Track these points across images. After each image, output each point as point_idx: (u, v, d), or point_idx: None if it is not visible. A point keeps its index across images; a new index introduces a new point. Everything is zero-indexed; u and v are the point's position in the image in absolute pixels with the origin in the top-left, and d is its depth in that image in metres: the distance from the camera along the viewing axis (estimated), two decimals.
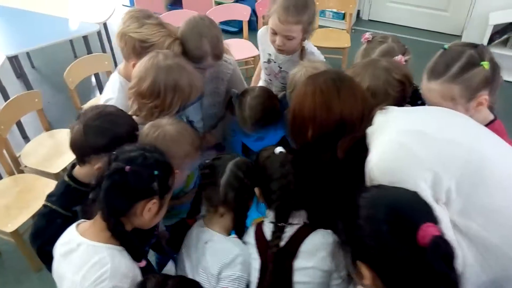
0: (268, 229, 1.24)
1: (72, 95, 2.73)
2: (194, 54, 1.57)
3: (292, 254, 1.19)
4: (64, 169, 2.41)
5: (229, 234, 1.29)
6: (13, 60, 3.20)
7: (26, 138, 3.11)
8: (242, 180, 1.25)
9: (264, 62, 1.92)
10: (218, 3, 4.15)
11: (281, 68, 1.84)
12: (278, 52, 1.75)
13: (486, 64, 1.16)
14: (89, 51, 3.22)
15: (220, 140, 1.96)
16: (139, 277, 1.12)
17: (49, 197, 1.34)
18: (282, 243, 1.20)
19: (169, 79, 1.38)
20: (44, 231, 1.31)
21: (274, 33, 1.67)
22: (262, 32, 1.89)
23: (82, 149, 1.27)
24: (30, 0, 3.45)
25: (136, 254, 1.12)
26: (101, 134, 1.25)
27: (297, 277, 1.18)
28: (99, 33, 3.27)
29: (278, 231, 1.21)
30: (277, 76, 1.89)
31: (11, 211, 2.17)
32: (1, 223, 2.12)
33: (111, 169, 1.06)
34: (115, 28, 1.65)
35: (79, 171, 1.33)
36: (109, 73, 2.89)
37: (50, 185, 2.25)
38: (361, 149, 1.13)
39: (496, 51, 3.50)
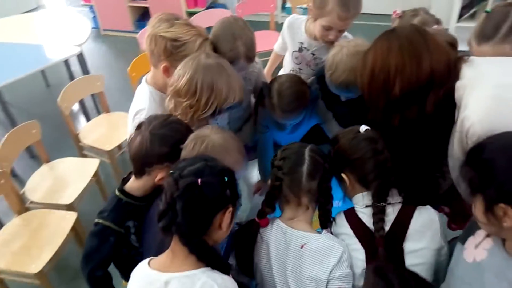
0: (365, 215, 1.18)
1: (67, 121, 2.59)
2: (228, 56, 1.53)
3: (401, 236, 1.13)
4: (78, 198, 2.27)
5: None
6: None
7: (15, 177, 2.91)
8: (323, 165, 1.20)
9: (295, 51, 1.91)
10: (190, 13, 4.11)
11: (314, 55, 1.83)
12: (324, 42, 1.76)
13: None
14: (71, 77, 3.08)
15: (246, 142, 1.91)
16: None
17: (100, 213, 1.29)
18: (387, 227, 1.14)
19: (206, 77, 1.34)
20: (97, 252, 1.25)
21: (329, 29, 1.69)
22: (292, 20, 1.91)
23: (146, 158, 1.23)
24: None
25: (224, 269, 1.05)
26: (167, 142, 1.22)
27: (409, 259, 1.13)
28: (79, 56, 3.12)
29: (380, 213, 1.14)
30: (309, 64, 1.89)
31: (31, 251, 2.01)
32: (23, 265, 1.95)
33: (182, 187, 0.98)
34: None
35: (131, 185, 1.30)
36: (101, 94, 2.79)
37: (66, 217, 2.14)
38: (448, 104, 1.13)
39: (465, 25, 3.69)
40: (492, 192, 0.90)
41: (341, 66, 1.46)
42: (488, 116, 1.04)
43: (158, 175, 1.24)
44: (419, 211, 1.17)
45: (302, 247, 1.14)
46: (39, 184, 2.37)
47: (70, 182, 2.37)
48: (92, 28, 4.38)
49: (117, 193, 1.29)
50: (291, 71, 1.97)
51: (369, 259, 1.14)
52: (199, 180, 0.97)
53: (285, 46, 2.02)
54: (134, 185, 1.29)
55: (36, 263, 1.95)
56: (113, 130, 2.75)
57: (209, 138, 1.21)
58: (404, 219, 1.15)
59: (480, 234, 1.08)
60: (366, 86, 1.21)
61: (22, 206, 2.22)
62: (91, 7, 4.59)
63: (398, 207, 1.17)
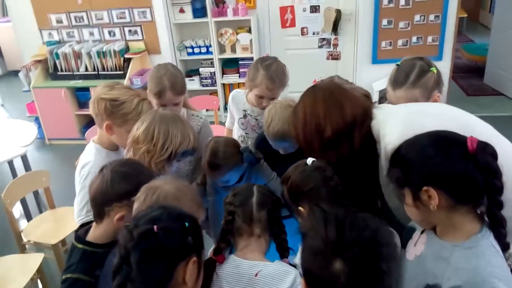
0: None
1: (10, 218, 2.51)
2: (155, 90, 1.81)
3: None
4: None
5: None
6: None
7: None
8: (271, 197, 1.32)
9: (240, 118, 2.19)
10: None
11: (257, 120, 2.11)
12: (260, 109, 2.04)
13: (434, 69, 1.57)
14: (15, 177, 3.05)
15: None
16: None
17: (67, 269, 1.26)
18: None
19: (162, 124, 1.50)
20: None
21: (261, 97, 2.02)
22: (235, 94, 2.23)
23: (105, 197, 1.25)
24: None
25: None
26: (127, 180, 1.26)
27: None
28: (24, 157, 3.14)
29: None
30: (253, 128, 2.15)
31: None
32: None
33: (136, 236, 0.90)
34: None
35: (93, 234, 1.30)
36: (47, 189, 2.77)
37: None
38: (371, 141, 1.33)
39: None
40: (414, 179, 1.02)
41: (276, 117, 1.69)
42: (404, 135, 1.15)
43: (117, 215, 1.24)
44: None
45: (256, 275, 1.18)
46: None
47: (11, 280, 2.23)
48: (37, 138, 4.48)
49: (80, 245, 1.27)
50: (239, 137, 2.19)
51: None
52: (155, 227, 0.90)
53: (233, 119, 2.29)
54: (96, 233, 1.28)
55: None
56: (59, 225, 2.69)
57: (160, 188, 1.20)
58: None
59: (416, 234, 1.20)
60: (301, 132, 1.37)
61: None
62: (36, 118, 4.70)
63: None
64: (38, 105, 4.64)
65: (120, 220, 1.24)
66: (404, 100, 1.54)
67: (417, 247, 1.15)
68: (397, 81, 1.59)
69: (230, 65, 4.73)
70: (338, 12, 4.41)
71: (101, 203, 1.26)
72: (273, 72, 1.97)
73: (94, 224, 1.31)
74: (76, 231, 1.36)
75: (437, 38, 4.20)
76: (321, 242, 0.84)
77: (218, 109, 4.17)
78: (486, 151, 0.97)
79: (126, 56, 4.46)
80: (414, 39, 4.23)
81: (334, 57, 4.67)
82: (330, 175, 1.27)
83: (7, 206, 2.47)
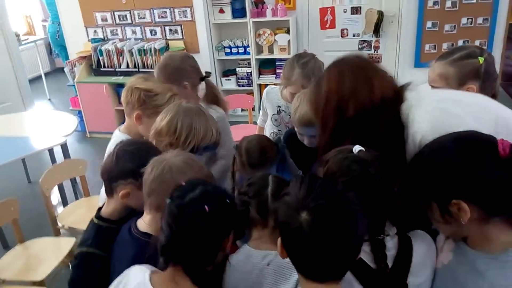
0: (364, 252, 1.01)
1: (46, 202, 2.60)
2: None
3: (405, 271, 1.03)
4: (48, 276, 2.18)
5: None
6: None
7: None
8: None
9: (274, 114, 2.18)
10: None
11: (290, 116, 2.04)
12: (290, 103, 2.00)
13: (481, 59, 1.46)
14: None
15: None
16: None
17: (83, 243, 1.29)
18: (390, 262, 1.03)
19: (186, 118, 1.50)
20: (84, 280, 1.25)
21: (293, 94, 1.96)
22: (269, 90, 2.22)
23: (110, 173, 1.28)
24: None
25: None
26: (132, 159, 1.27)
27: None
28: (63, 146, 3.26)
29: (381, 248, 1.03)
30: (287, 124, 2.13)
31: None
32: None
33: (189, 216, 0.95)
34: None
35: (106, 210, 1.34)
36: (83, 178, 2.85)
37: None
38: (397, 125, 1.22)
39: None
40: (441, 192, 0.94)
41: (304, 102, 1.64)
42: (435, 127, 1.09)
43: (122, 192, 1.26)
44: (416, 240, 1.09)
45: (268, 264, 1.15)
46: (11, 263, 2.29)
47: (44, 260, 2.30)
48: (78, 131, 4.65)
49: (95, 220, 1.31)
50: (271, 134, 2.16)
51: None
52: (207, 208, 0.95)
53: (266, 117, 2.27)
54: (108, 209, 1.32)
55: None
56: (92, 212, 2.72)
57: (166, 161, 1.21)
58: (406, 251, 1.06)
59: (440, 238, 1.12)
60: (321, 107, 1.26)
61: None
62: (79, 111, 4.89)
63: (396, 239, 1.08)
64: (81, 99, 4.82)
65: (124, 197, 1.26)
66: (434, 74, 1.47)
67: (444, 255, 1.08)
68: (442, 55, 1.52)
69: (267, 65, 4.72)
70: (380, 13, 4.30)
71: (107, 179, 1.29)
72: (309, 70, 1.93)
73: (107, 200, 1.33)
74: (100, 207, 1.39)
75: (485, 42, 4.01)
76: (294, 197, 0.90)
77: (253, 109, 4.17)
78: None
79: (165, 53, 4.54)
80: (460, 42, 4.05)
81: (375, 59, 4.55)
82: (374, 173, 1.05)
83: (44, 191, 2.56)
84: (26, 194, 3.73)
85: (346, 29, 4.50)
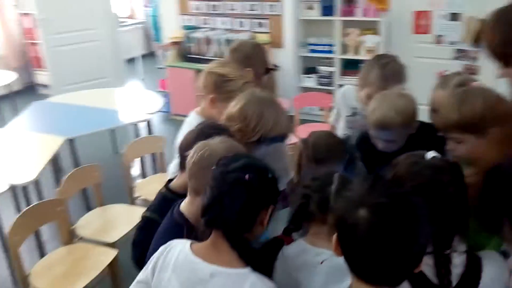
0: (426, 265, 0.97)
1: (126, 172, 2.82)
2: None
3: None
4: (121, 238, 2.37)
5: None
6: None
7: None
8: None
9: (348, 116, 2.11)
10: None
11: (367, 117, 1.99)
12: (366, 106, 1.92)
13: None
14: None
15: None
16: None
17: (148, 208, 1.40)
18: (455, 281, 0.97)
19: (257, 107, 1.52)
20: (145, 242, 1.31)
21: (371, 98, 1.83)
22: (347, 90, 2.16)
23: (186, 149, 1.31)
24: (88, 97, 3.86)
25: (264, 271, 1.05)
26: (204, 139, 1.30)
27: None
28: (148, 123, 3.50)
29: (445, 263, 0.97)
30: (361, 128, 2.01)
31: (69, 278, 2.08)
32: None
33: (230, 182, 1.00)
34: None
35: (175, 183, 1.41)
36: (162, 154, 3.04)
37: (106, 253, 2.22)
38: None
39: None
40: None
41: (381, 104, 1.58)
42: None
43: None
44: (488, 260, 1.02)
45: (321, 262, 1.13)
46: (89, 223, 2.52)
47: (117, 224, 2.50)
48: (163, 111, 4.94)
49: (163, 190, 1.40)
50: (343, 136, 2.11)
51: None
52: (247, 176, 1.00)
53: (339, 116, 2.22)
54: (178, 182, 1.40)
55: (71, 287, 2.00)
56: None
57: (209, 147, 1.23)
58: (474, 271, 0.99)
59: None
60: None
61: (70, 238, 2.35)
62: (165, 93, 5.20)
63: (464, 257, 1.01)
64: (169, 82, 5.12)
65: None
66: None
67: None
68: None
69: (351, 66, 4.60)
70: (483, 22, 3.97)
71: (183, 154, 1.34)
72: (388, 72, 1.83)
73: (179, 173, 1.40)
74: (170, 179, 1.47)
75: None
76: (354, 193, 0.87)
77: (331, 109, 4.11)
78: None
79: None
80: None
81: (471, 71, 4.22)
82: (446, 181, 0.98)
83: (125, 162, 2.78)
84: (111, 163, 4.04)
85: (442, 36, 4.24)
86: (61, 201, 2.25)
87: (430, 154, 1.03)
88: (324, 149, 1.61)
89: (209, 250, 1.04)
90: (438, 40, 4.25)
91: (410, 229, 0.82)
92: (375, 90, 1.84)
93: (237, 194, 0.99)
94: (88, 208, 2.87)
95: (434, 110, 1.72)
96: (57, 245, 2.36)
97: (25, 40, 5.81)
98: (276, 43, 4.70)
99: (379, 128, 1.60)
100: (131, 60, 7.11)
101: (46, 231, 2.71)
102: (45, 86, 5.86)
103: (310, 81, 4.76)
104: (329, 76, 4.67)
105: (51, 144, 2.89)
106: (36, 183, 3.03)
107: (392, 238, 0.80)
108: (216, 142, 1.25)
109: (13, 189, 2.50)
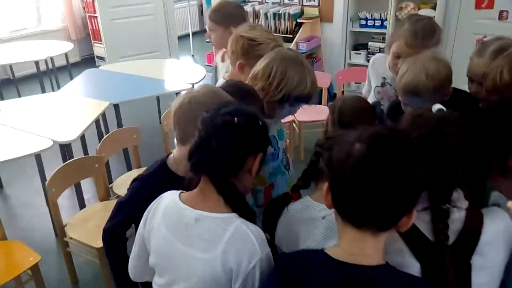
0: (422, 221, 0.93)
1: (164, 138, 2.90)
2: None
3: (470, 249, 0.92)
4: None
5: None
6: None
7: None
8: None
9: (377, 86, 2.00)
10: None
11: (395, 91, 1.87)
12: (396, 74, 1.79)
13: None
14: None
15: None
16: None
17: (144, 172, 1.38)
18: (453, 237, 0.91)
19: (281, 64, 1.46)
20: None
21: (398, 56, 1.75)
22: (377, 58, 2.06)
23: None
24: (136, 67, 4.02)
25: (250, 217, 1.03)
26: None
27: (477, 278, 0.92)
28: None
29: (443, 218, 0.91)
30: (390, 99, 1.94)
31: (100, 231, 2.18)
32: (90, 240, 2.13)
33: (218, 124, 0.98)
34: None
35: (177, 153, 1.32)
36: None
37: None
38: None
39: None
40: (500, 147, 0.91)
41: (413, 67, 1.47)
42: None
43: None
44: (491, 217, 0.95)
45: (323, 218, 1.09)
46: (126, 182, 2.62)
47: None
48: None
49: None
50: None
51: (427, 277, 0.92)
52: (236, 119, 0.98)
53: (370, 86, 2.10)
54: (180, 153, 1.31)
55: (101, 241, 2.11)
56: None
57: (188, 94, 1.21)
58: (474, 227, 0.93)
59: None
60: None
61: (107, 195, 2.47)
62: (212, 67, 5.26)
63: (464, 213, 0.95)
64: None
65: None
66: None
67: None
68: None
69: None
70: None
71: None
72: (419, 28, 1.69)
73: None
74: None
75: None
76: (352, 134, 0.85)
77: None
78: None
79: (299, 20, 4.54)
80: None
81: None
82: (448, 132, 0.93)
83: (165, 128, 2.85)
84: (155, 129, 4.20)
85: (506, 11, 3.87)
86: (98, 159, 2.37)
87: (436, 107, 0.98)
88: (350, 113, 1.53)
89: (197, 197, 1.04)
90: (501, 15, 3.90)
91: (406, 164, 0.79)
92: (402, 46, 1.72)
93: (225, 136, 0.98)
94: (129, 169, 3.00)
95: (471, 79, 1.59)
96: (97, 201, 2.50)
97: (86, 13, 6.10)
98: (326, 17, 4.55)
99: (409, 93, 1.50)
100: (185, 37, 7.25)
101: (90, 188, 2.88)
102: (102, 58, 6.14)
103: (359, 58, 4.58)
104: (380, 52, 4.46)
105: (97, 107, 3.03)
106: (84, 142, 3.22)
107: (385, 171, 0.78)
108: (199, 89, 1.23)
109: (62, 147, 2.66)
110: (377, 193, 0.79)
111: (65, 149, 2.66)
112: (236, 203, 1.01)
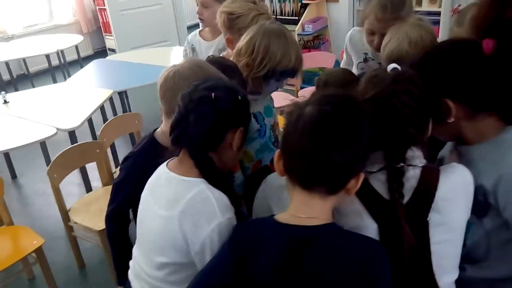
0: (378, 181, 0.92)
1: None
2: None
3: (426, 206, 0.90)
4: None
5: None
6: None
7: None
8: None
9: (360, 63, 1.94)
10: None
11: (380, 64, 1.82)
12: (376, 52, 1.76)
13: None
14: None
15: None
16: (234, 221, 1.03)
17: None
18: (408, 195, 0.90)
19: (264, 39, 1.42)
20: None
21: (372, 33, 1.71)
22: (353, 33, 1.96)
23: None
24: (143, 56, 4.06)
25: (224, 190, 1.03)
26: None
27: (436, 235, 0.90)
28: None
29: (398, 176, 0.89)
30: None
31: (103, 214, 2.22)
32: (92, 223, 2.18)
33: (195, 100, 0.99)
34: None
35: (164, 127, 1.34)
36: None
37: None
38: None
39: None
40: (432, 93, 0.94)
41: (396, 36, 1.43)
42: None
43: None
44: (447, 172, 0.93)
45: None
46: None
47: None
48: None
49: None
50: None
51: (384, 236, 0.91)
52: (213, 94, 0.99)
53: (350, 61, 2.05)
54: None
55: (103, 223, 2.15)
56: None
57: (173, 68, 1.21)
58: (429, 184, 0.91)
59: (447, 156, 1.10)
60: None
61: (110, 179, 2.51)
62: None
63: (419, 170, 0.93)
64: None
65: None
66: None
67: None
68: None
69: None
70: None
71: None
72: (387, 0, 1.63)
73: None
74: None
75: None
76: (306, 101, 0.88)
77: None
78: (505, 51, 0.89)
79: (304, 1, 4.46)
80: None
81: None
82: (400, 91, 0.90)
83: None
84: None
85: None
86: (100, 144, 2.40)
87: (391, 67, 0.97)
88: (335, 84, 1.52)
89: (177, 163, 1.07)
90: None
91: (352, 125, 0.82)
92: (375, 24, 1.67)
93: (202, 111, 0.99)
94: None
95: None
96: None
97: (96, 6, 6.16)
98: None
99: (393, 62, 1.46)
100: (195, 26, 7.25)
101: (96, 174, 2.93)
102: (113, 50, 6.21)
103: None
104: None
105: (101, 96, 3.08)
106: (93, 130, 3.27)
107: (331, 132, 0.81)
108: (183, 63, 1.23)
109: (69, 134, 2.72)
110: (323, 153, 0.80)
111: (72, 137, 2.71)
112: (212, 178, 1.02)
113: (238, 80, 1.37)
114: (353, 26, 4.47)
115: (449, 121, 0.96)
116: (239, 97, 1.04)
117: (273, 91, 1.60)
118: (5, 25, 5.53)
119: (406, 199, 0.89)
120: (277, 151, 0.89)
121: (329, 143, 0.80)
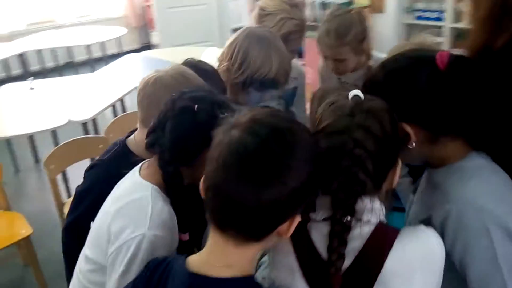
0: (319, 234, 0.75)
1: None
2: None
3: (370, 277, 0.70)
4: None
5: None
6: None
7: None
8: None
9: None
10: None
11: (356, 85, 1.66)
12: (337, 75, 1.68)
13: None
14: None
15: None
16: (175, 245, 0.93)
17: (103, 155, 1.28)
18: (349, 258, 0.72)
19: (244, 44, 1.32)
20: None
21: (326, 58, 1.64)
22: (321, 64, 1.85)
23: None
24: (175, 54, 4.14)
25: (184, 222, 0.93)
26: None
27: None
28: None
29: (341, 233, 0.71)
30: None
31: None
32: None
33: (177, 108, 0.92)
34: None
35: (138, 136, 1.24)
36: None
37: None
38: None
39: None
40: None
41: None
42: None
43: None
44: (406, 236, 0.72)
45: None
46: None
47: None
48: None
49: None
50: None
51: None
52: (196, 106, 0.91)
53: None
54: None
55: None
56: None
57: (155, 74, 1.13)
58: (379, 248, 0.71)
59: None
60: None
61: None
62: None
63: (371, 228, 0.74)
64: None
65: None
66: None
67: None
68: None
69: (464, 36, 3.90)
70: None
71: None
72: (332, 26, 1.54)
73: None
74: None
75: None
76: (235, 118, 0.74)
77: None
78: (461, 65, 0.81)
79: None
80: None
81: None
82: (357, 125, 0.73)
83: None
84: None
85: None
86: (103, 139, 2.37)
87: (352, 93, 0.78)
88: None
89: (146, 165, 0.99)
90: None
91: (278, 161, 0.65)
92: (325, 50, 1.59)
93: (180, 121, 0.91)
94: None
95: None
96: None
97: (144, 2, 6.30)
98: (377, 7, 4.20)
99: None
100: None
101: None
102: (157, 46, 6.31)
103: None
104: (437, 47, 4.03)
105: (119, 91, 3.08)
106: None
107: (252, 168, 0.65)
108: (168, 70, 1.14)
109: (84, 125, 2.73)
110: (235, 192, 0.64)
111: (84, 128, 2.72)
112: (176, 197, 0.92)
113: (215, 85, 1.25)
114: (398, 40, 4.22)
115: (410, 147, 0.83)
116: (224, 114, 0.92)
117: (257, 103, 1.46)
118: (54, 15, 5.79)
119: (347, 263, 0.71)
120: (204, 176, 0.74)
121: (244, 181, 0.65)
